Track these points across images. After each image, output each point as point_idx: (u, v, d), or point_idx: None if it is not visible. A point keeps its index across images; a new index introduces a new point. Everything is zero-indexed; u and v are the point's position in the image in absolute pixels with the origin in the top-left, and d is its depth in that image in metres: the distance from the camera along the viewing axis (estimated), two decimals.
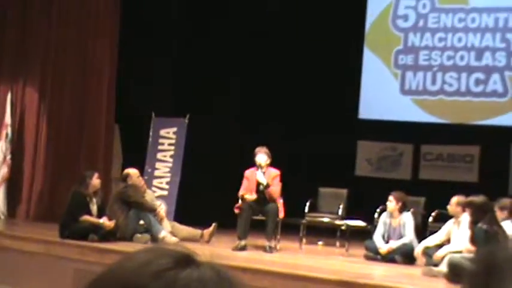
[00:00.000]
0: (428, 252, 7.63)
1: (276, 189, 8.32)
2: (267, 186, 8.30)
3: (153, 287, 0.75)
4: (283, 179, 8.57)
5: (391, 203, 8.25)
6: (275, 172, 8.42)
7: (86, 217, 8.32)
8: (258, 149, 8.47)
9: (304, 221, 9.34)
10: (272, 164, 8.50)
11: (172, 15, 11.55)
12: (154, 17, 11.37)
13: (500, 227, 6.82)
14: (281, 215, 8.42)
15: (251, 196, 8.30)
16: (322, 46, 11.33)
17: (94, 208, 8.49)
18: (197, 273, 0.78)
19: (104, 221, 8.36)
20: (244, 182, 8.49)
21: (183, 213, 9.77)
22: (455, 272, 6.50)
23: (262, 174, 8.36)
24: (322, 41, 11.34)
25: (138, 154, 10.50)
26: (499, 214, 7.16)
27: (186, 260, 0.79)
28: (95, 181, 8.54)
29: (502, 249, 0.67)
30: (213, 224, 8.89)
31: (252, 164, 8.53)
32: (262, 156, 8.38)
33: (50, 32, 10.65)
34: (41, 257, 8.05)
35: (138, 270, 0.77)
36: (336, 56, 11.16)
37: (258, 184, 8.38)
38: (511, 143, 10.63)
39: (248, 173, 8.50)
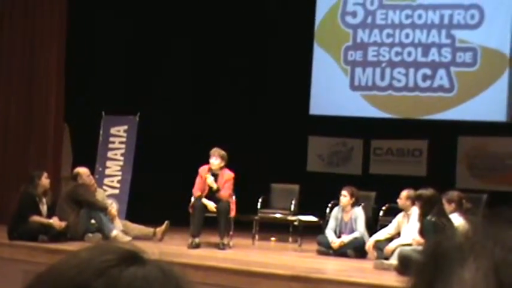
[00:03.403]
0: (379, 246, 7.74)
1: (224, 193, 8.35)
2: (218, 190, 8.31)
3: (95, 285, 0.74)
4: (235, 175, 8.58)
5: (345, 198, 8.33)
6: (228, 175, 8.42)
7: (36, 217, 8.19)
8: (212, 151, 8.45)
9: (256, 218, 9.37)
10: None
11: (121, 14, 11.43)
12: (103, 15, 11.23)
13: (449, 219, 6.96)
14: (232, 213, 8.44)
15: (210, 205, 8.28)
16: (272, 42, 11.36)
17: (44, 208, 8.36)
18: (142, 272, 0.76)
19: (54, 221, 8.24)
20: (198, 180, 8.48)
21: (135, 212, 9.69)
22: (405, 264, 6.61)
23: (214, 177, 8.35)
24: (272, 37, 11.38)
25: (89, 153, 10.38)
26: (447, 207, 7.30)
27: (131, 258, 0.77)
28: (44, 181, 8.41)
29: (448, 238, 0.69)
30: (166, 222, 8.86)
31: (205, 161, 8.52)
32: (215, 160, 8.38)
33: None
34: None
35: (80, 267, 0.75)
36: (286, 52, 11.21)
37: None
38: (458, 137, 10.85)
39: (201, 170, 8.48)
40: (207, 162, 8.50)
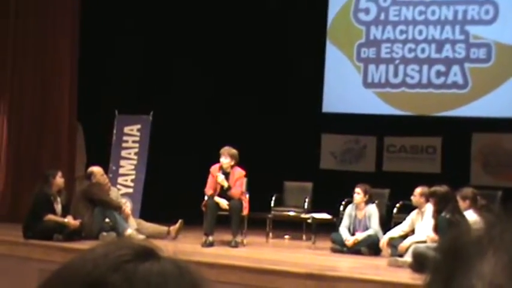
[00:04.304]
0: (393, 243, 7.72)
1: (236, 191, 8.36)
2: (229, 188, 8.32)
3: (112, 279, 0.74)
4: (248, 174, 8.59)
5: (359, 195, 8.31)
6: (239, 173, 8.44)
7: (51, 216, 8.24)
8: (222, 150, 8.47)
9: (270, 215, 9.37)
10: (239, 158, 8.52)
11: (134, 13, 11.46)
12: (116, 13, 11.26)
13: (463, 216, 6.93)
14: (245, 211, 8.45)
15: (222, 202, 8.30)
16: (284, 40, 11.35)
17: (58, 207, 8.40)
18: (157, 267, 0.76)
19: (68, 220, 8.28)
20: (210, 179, 8.51)
21: (148, 211, 9.72)
22: (420, 261, 6.59)
23: (225, 175, 8.37)
24: (285, 35, 11.36)
25: (103, 152, 10.42)
26: (461, 204, 7.27)
27: (147, 253, 0.78)
28: (59, 180, 8.45)
29: (465, 233, 0.68)
30: (180, 221, 8.88)
31: (218, 159, 8.53)
32: (224, 159, 8.40)
33: (8, 29, 10.48)
34: (5, 258, 7.95)
35: (96, 262, 0.76)
36: (299, 50, 11.19)
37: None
38: (472, 133, 10.80)
39: (213, 169, 8.51)
40: (219, 161, 8.52)
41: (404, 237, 7.68)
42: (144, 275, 0.75)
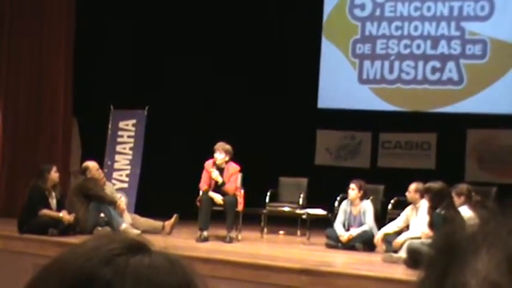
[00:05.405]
0: (387, 239, 7.74)
1: (230, 186, 8.37)
2: (223, 184, 8.33)
3: (103, 273, 0.74)
4: (244, 169, 8.60)
5: (353, 191, 8.32)
6: (234, 169, 8.44)
7: (45, 211, 8.23)
8: (216, 146, 8.47)
9: (265, 211, 9.38)
10: (233, 154, 8.52)
11: (130, 8, 11.43)
12: (112, 10, 11.23)
13: (458, 212, 6.94)
14: (240, 207, 8.45)
15: (217, 197, 8.29)
16: (280, 36, 11.34)
17: (53, 202, 8.40)
18: (148, 260, 0.77)
19: (63, 214, 8.28)
20: (204, 174, 8.51)
21: (143, 206, 9.72)
22: (414, 257, 6.60)
23: (220, 171, 8.37)
24: (280, 31, 11.35)
25: (98, 147, 10.40)
26: (456, 200, 7.29)
27: (137, 247, 0.78)
28: (53, 175, 8.45)
29: (460, 229, 0.69)
30: (175, 216, 8.88)
31: (213, 155, 8.53)
32: (219, 154, 8.40)
33: (3, 23, 10.45)
34: (0, 252, 7.93)
35: (87, 256, 0.76)
36: (294, 46, 11.19)
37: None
38: (467, 129, 10.82)
39: (207, 165, 8.51)
40: (214, 156, 8.52)
41: (399, 233, 7.69)
42: (135, 268, 0.75)
